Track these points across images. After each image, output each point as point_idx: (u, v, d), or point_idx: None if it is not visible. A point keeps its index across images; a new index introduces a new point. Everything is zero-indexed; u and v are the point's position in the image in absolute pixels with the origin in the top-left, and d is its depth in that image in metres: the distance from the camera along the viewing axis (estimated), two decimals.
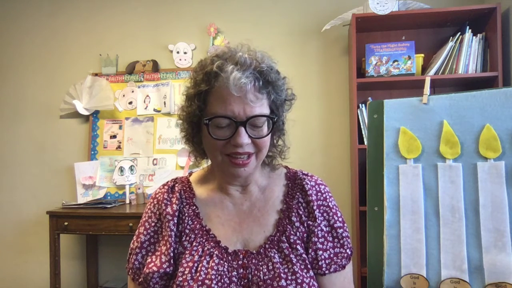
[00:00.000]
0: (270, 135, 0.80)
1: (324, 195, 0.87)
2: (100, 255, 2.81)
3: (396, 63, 2.21)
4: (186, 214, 0.84)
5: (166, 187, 0.89)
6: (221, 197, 0.87)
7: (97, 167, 2.73)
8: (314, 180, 0.88)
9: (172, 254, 0.80)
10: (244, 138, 0.74)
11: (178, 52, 2.74)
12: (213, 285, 0.75)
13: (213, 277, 0.76)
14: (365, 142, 1.82)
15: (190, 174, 0.94)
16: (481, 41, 2.16)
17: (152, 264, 0.80)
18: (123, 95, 2.78)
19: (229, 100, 0.73)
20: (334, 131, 2.60)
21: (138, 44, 2.80)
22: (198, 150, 0.86)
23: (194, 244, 0.81)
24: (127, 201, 2.61)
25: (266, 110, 0.77)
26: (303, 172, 0.91)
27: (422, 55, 2.28)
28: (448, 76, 2.17)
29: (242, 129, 0.74)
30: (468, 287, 0.90)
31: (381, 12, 2.17)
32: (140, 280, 0.81)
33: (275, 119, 0.79)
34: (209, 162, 0.89)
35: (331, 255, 0.82)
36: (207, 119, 0.75)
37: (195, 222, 0.83)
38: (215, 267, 0.77)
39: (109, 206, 2.42)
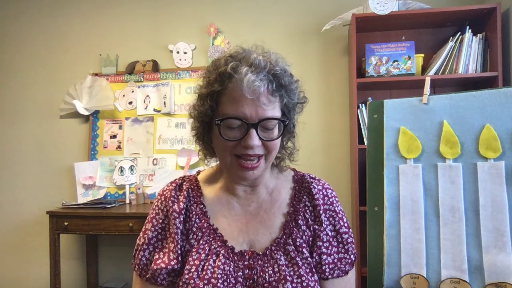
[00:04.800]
0: (280, 137, 0.80)
1: (330, 200, 0.87)
2: (100, 255, 2.81)
3: (396, 63, 2.21)
4: (194, 212, 0.84)
5: (174, 184, 0.89)
6: (228, 197, 0.87)
7: (97, 167, 2.73)
8: (322, 184, 0.89)
9: (179, 252, 0.81)
10: (254, 140, 0.74)
11: (178, 52, 2.73)
12: (219, 284, 0.75)
13: (219, 276, 0.76)
14: (365, 142, 1.82)
15: (198, 172, 0.94)
16: (481, 41, 2.16)
17: (160, 260, 0.81)
18: (123, 95, 2.78)
19: (241, 102, 0.73)
20: (334, 131, 2.60)
21: (138, 44, 2.80)
22: (208, 149, 0.86)
23: (201, 242, 0.81)
24: (127, 201, 2.61)
25: (278, 113, 0.77)
26: (311, 175, 0.91)
27: (422, 55, 2.28)
28: (448, 76, 2.17)
29: (253, 131, 0.74)
30: (468, 287, 0.90)
31: (381, 12, 2.17)
32: (147, 276, 0.82)
33: (287, 122, 0.79)
34: (218, 161, 0.89)
35: (335, 260, 0.83)
36: (219, 119, 0.75)
37: (203, 221, 0.83)
38: (221, 267, 0.77)
39: (109, 206, 2.42)
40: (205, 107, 0.78)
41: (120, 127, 2.77)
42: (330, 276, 0.81)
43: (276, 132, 0.78)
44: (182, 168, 2.65)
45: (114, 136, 2.77)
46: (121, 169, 2.66)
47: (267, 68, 0.74)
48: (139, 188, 2.59)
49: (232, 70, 0.73)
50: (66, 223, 2.32)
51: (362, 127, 2.27)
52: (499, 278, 0.87)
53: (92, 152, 2.77)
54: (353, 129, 2.36)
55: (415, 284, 0.94)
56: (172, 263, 0.80)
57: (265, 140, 0.76)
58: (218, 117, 0.76)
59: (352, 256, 0.85)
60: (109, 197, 2.69)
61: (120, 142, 2.75)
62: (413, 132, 1.00)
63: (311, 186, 0.87)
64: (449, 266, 0.92)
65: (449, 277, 0.92)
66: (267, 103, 0.74)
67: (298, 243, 0.81)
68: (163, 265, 0.80)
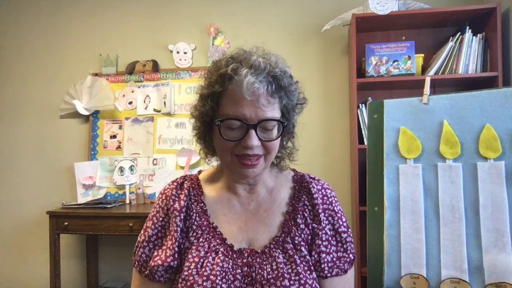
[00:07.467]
0: (279, 137, 0.81)
1: (330, 199, 0.88)
2: (100, 255, 2.81)
3: (396, 63, 2.21)
4: (194, 211, 0.86)
5: (175, 183, 0.91)
6: (228, 196, 0.88)
7: (97, 167, 2.73)
8: (321, 184, 0.90)
9: (177, 249, 0.82)
10: (254, 140, 0.76)
11: (178, 52, 2.74)
12: (217, 281, 0.76)
13: (217, 273, 0.77)
14: (365, 142, 1.82)
15: (200, 172, 0.96)
16: (481, 41, 2.16)
17: (158, 257, 0.82)
18: (123, 95, 2.78)
19: (241, 103, 0.75)
20: (334, 131, 2.60)
21: (138, 44, 2.80)
22: (208, 148, 0.88)
23: (201, 240, 0.82)
24: (127, 201, 2.61)
25: (277, 114, 0.79)
26: (310, 175, 0.92)
27: (422, 55, 2.28)
28: (448, 76, 2.17)
29: (252, 132, 0.75)
30: (468, 287, 0.90)
31: (381, 12, 2.17)
32: (146, 272, 0.83)
33: (285, 123, 0.80)
34: (219, 161, 0.91)
35: (334, 259, 0.83)
36: (219, 120, 0.77)
37: (203, 219, 0.85)
38: (220, 264, 0.78)
39: (109, 206, 2.42)
40: (206, 107, 0.79)
41: (120, 127, 2.77)
42: (329, 275, 0.82)
43: (275, 132, 0.79)
44: (182, 168, 2.65)
45: (114, 136, 2.77)
46: (121, 169, 2.66)
47: (266, 70, 0.76)
48: (139, 188, 2.59)
49: (232, 71, 0.75)
50: (66, 223, 2.32)
51: (362, 127, 2.27)
52: (499, 278, 0.87)
53: (92, 152, 2.77)
54: (353, 129, 2.36)
55: (415, 284, 0.94)
56: (169, 260, 0.81)
57: (264, 140, 0.77)
58: (219, 118, 0.77)
59: (351, 255, 0.86)
60: (109, 197, 2.70)
61: (120, 142, 2.75)
62: (413, 132, 1.00)
63: (310, 186, 0.88)
64: (449, 266, 0.92)
65: (449, 277, 0.92)
66: (267, 104, 0.75)
67: (296, 242, 0.82)
68: (160, 262, 0.81)
